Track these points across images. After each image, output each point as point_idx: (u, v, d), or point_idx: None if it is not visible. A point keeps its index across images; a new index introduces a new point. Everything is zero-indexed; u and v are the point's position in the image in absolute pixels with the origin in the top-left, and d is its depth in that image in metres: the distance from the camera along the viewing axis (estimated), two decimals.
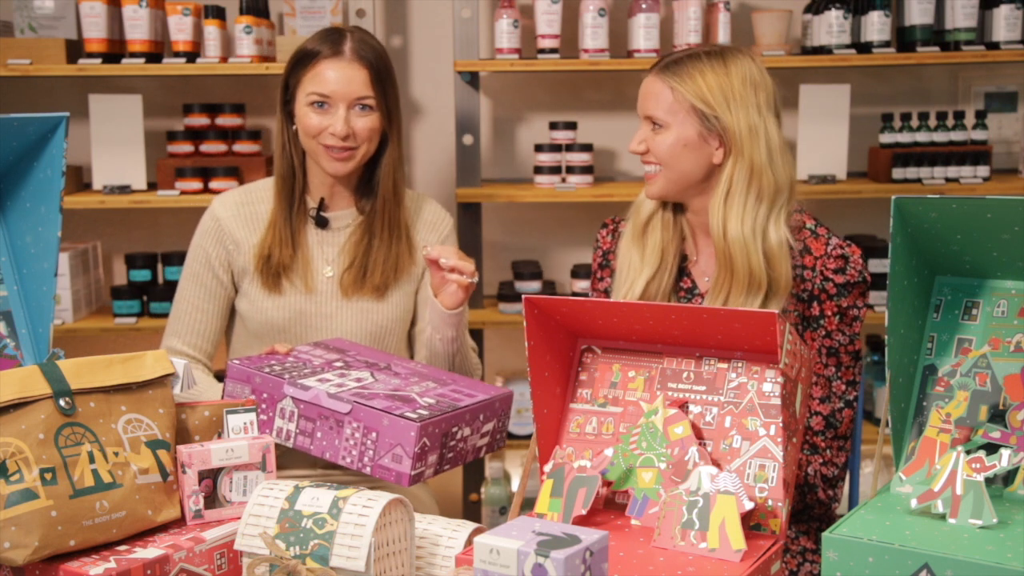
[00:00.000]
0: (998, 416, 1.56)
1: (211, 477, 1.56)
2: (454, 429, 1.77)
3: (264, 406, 1.80)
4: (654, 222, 2.09)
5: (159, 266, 3.26)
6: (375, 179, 2.26)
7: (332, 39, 2.19)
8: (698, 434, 1.57)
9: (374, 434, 1.71)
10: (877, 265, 3.19)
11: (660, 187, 2.03)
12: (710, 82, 1.97)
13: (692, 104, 1.97)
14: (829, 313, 1.98)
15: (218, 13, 3.13)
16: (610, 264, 2.17)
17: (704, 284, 2.08)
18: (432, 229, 2.34)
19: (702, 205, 2.04)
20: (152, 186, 3.25)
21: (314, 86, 2.16)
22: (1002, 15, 3.11)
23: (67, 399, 1.46)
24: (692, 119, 1.98)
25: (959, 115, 3.25)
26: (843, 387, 2.00)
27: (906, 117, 3.26)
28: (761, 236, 1.96)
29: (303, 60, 2.19)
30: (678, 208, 2.10)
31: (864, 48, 3.15)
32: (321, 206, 2.26)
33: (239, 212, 2.27)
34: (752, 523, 1.49)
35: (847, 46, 3.13)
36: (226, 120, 3.25)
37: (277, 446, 2.20)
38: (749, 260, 1.95)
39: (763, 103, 1.99)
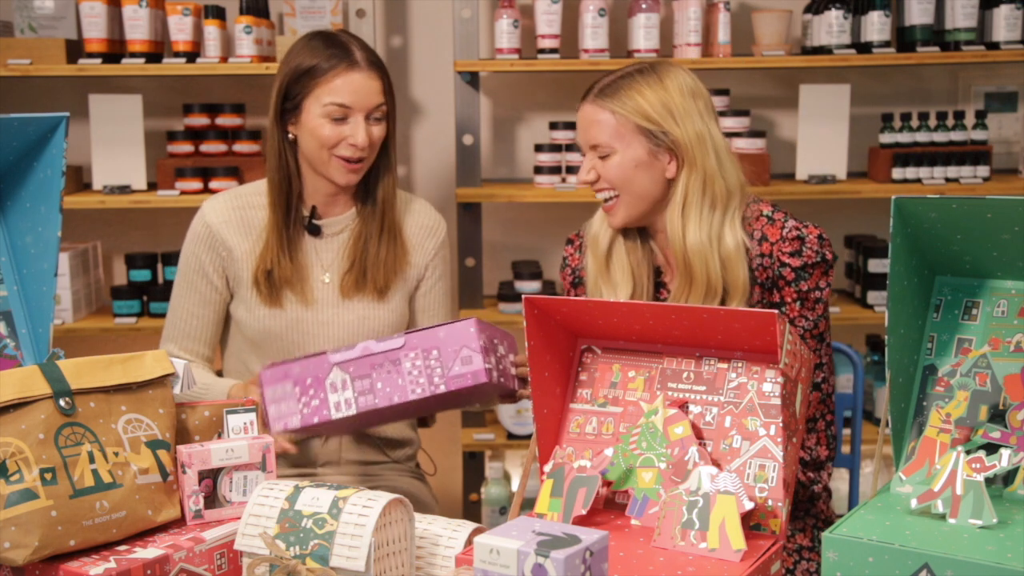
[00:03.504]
0: (998, 416, 1.56)
1: (211, 477, 1.56)
2: (495, 341, 1.78)
3: (312, 391, 1.77)
4: (616, 250, 2.07)
5: (159, 266, 3.26)
6: (371, 183, 2.25)
7: (338, 49, 2.16)
8: (698, 434, 1.57)
9: (435, 351, 1.72)
10: (877, 265, 3.20)
11: (623, 214, 2.01)
12: (650, 98, 1.96)
13: (636, 124, 1.96)
14: (789, 300, 1.98)
15: (218, 13, 3.13)
16: (584, 282, 2.16)
17: None
18: (430, 234, 2.32)
19: (664, 222, 2.03)
20: (152, 186, 3.26)
21: (333, 96, 2.12)
22: (1002, 15, 3.11)
23: (67, 399, 1.46)
24: (639, 139, 1.96)
25: (959, 115, 3.25)
26: (819, 373, 1.99)
27: (906, 117, 3.25)
28: (717, 242, 1.96)
29: (313, 71, 2.14)
30: (642, 230, 2.08)
31: (864, 48, 3.15)
32: (313, 214, 2.24)
33: (231, 217, 2.24)
34: (752, 523, 1.49)
35: (847, 46, 3.13)
36: (226, 120, 3.25)
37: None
38: (707, 268, 1.95)
39: (704, 110, 1.99)
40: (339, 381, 1.76)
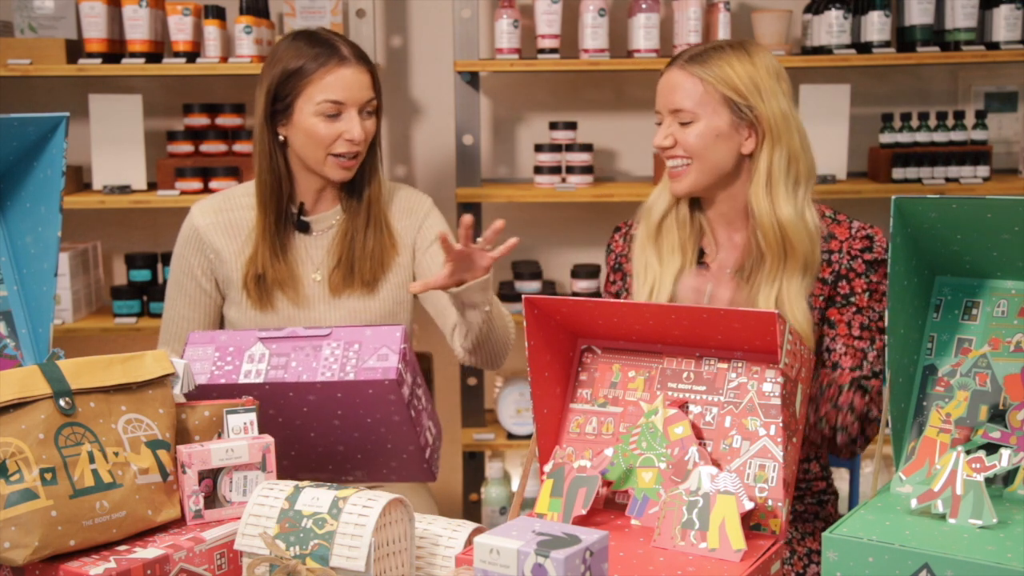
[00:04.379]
0: (998, 416, 1.56)
1: (211, 477, 1.56)
2: (417, 379, 1.81)
3: (229, 358, 1.81)
4: (668, 221, 2.08)
5: (159, 266, 3.26)
6: (358, 179, 2.24)
7: (324, 47, 2.15)
8: (698, 434, 1.57)
9: (357, 345, 1.76)
10: None
11: (691, 181, 2.01)
12: (740, 72, 1.98)
13: (724, 94, 1.97)
14: (859, 290, 2.00)
15: (218, 13, 3.13)
16: (623, 268, 2.16)
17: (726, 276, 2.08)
18: (409, 215, 2.32)
19: (728, 197, 2.03)
20: (152, 186, 3.26)
21: (326, 94, 2.13)
22: (1002, 15, 3.11)
23: (67, 399, 1.46)
24: (723, 110, 1.98)
25: (959, 115, 3.25)
26: (880, 362, 1.99)
27: (906, 117, 3.26)
28: (803, 218, 1.98)
29: (302, 71, 2.14)
30: (693, 204, 2.09)
31: (864, 48, 3.15)
32: (301, 211, 2.24)
33: (217, 220, 2.24)
34: (752, 523, 1.49)
35: (847, 46, 3.13)
36: (226, 120, 3.25)
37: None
38: (804, 241, 1.97)
39: (787, 92, 2.03)
40: (258, 354, 1.80)
